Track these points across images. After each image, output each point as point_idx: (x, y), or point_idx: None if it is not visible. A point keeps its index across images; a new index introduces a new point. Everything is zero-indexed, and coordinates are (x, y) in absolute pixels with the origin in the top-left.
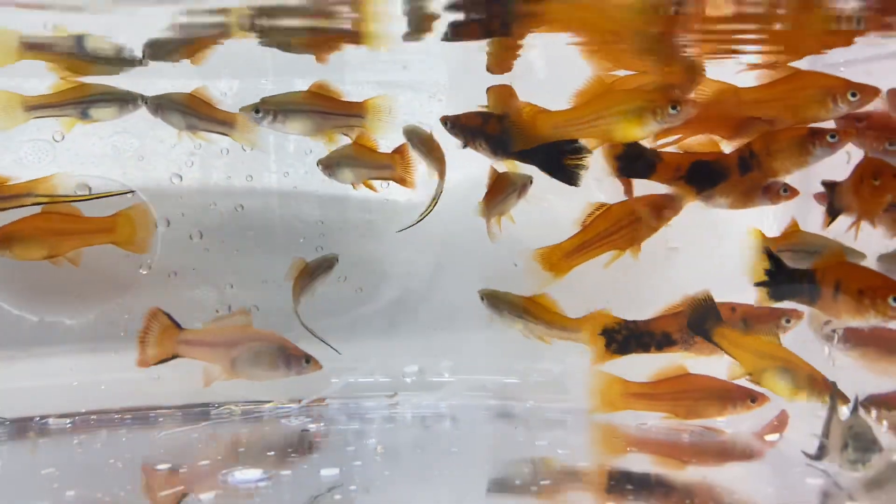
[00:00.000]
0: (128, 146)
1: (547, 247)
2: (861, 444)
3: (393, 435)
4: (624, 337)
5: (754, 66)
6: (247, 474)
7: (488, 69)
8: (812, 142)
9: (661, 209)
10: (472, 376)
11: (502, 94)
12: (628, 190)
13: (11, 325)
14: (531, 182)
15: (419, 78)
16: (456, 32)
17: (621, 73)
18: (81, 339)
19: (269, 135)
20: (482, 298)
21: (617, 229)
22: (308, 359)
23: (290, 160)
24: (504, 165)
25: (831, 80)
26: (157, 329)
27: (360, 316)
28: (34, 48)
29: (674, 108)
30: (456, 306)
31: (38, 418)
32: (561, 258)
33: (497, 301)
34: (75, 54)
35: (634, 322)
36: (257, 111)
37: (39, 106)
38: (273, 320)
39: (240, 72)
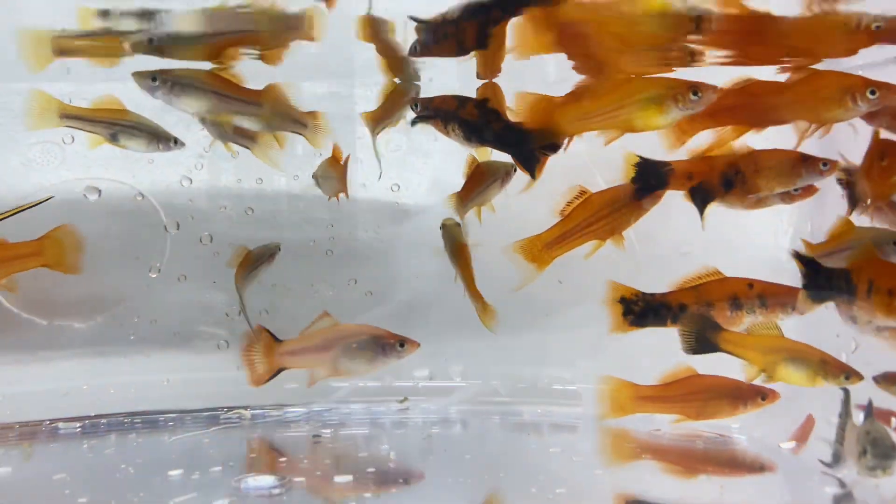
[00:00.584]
0: None
1: (527, 238)
2: (880, 449)
3: (403, 440)
4: (641, 309)
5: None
6: (260, 481)
7: (478, 74)
8: (802, 167)
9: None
10: (483, 381)
11: (487, 93)
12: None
13: (21, 328)
14: (514, 171)
15: (430, 82)
16: (425, 49)
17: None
18: (90, 342)
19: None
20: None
21: (597, 219)
22: (402, 342)
23: (298, 163)
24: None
25: (849, 78)
26: (260, 347)
27: (369, 319)
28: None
29: (695, 93)
30: (466, 310)
31: (47, 422)
32: (542, 249)
33: (449, 236)
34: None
35: (652, 294)
36: (154, 79)
37: (74, 116)
38: (281, 324)
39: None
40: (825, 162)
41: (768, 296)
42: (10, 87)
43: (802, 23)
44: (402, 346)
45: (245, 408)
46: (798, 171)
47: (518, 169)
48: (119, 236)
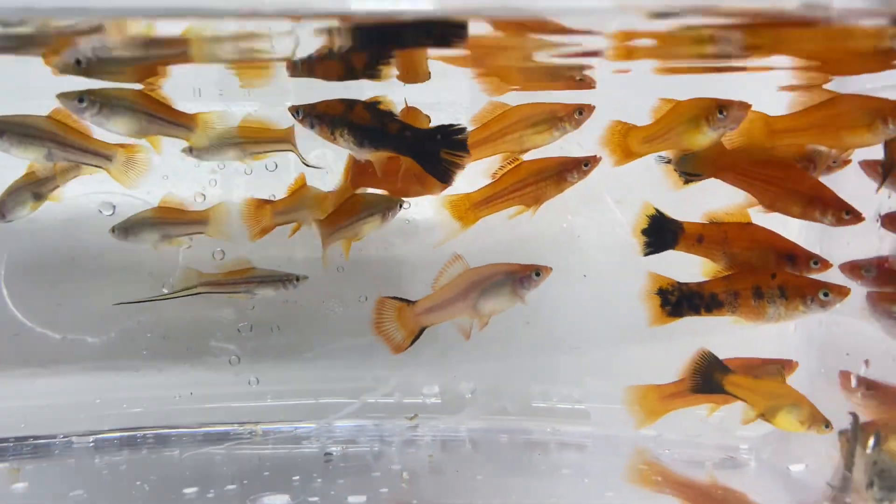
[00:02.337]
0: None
1: (457, 195)
2: (887, 482)
3: (414, 459)
4: (677, 298)
5: (791, 87)
6: (274, 500)
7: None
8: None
9: (569, 171)
10: (492, 399)
11: (417, 117)
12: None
13: (35, 342)
14: (400, 207)
15: (441, 97)
16: (309, 69)
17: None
18: (103, 357)
19: (289, 154)
20: None
21: (524, 186)
22: (538, 271)
23: (309, 180)
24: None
25: (876, 101)
26: (391, 315)
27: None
28: None
29: (721, 112)
30: (476, 329)
31: (61, 436)
32: (469, 208)
33: None
34: None
35: (686, 284)
36: (81, 100)
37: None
38: (293, 339)
39: (259, 93)
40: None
41: (789, 287)
42: (27, 104)
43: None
44: (538, 274)
45: (256, 423)
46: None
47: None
48: (132, 252)
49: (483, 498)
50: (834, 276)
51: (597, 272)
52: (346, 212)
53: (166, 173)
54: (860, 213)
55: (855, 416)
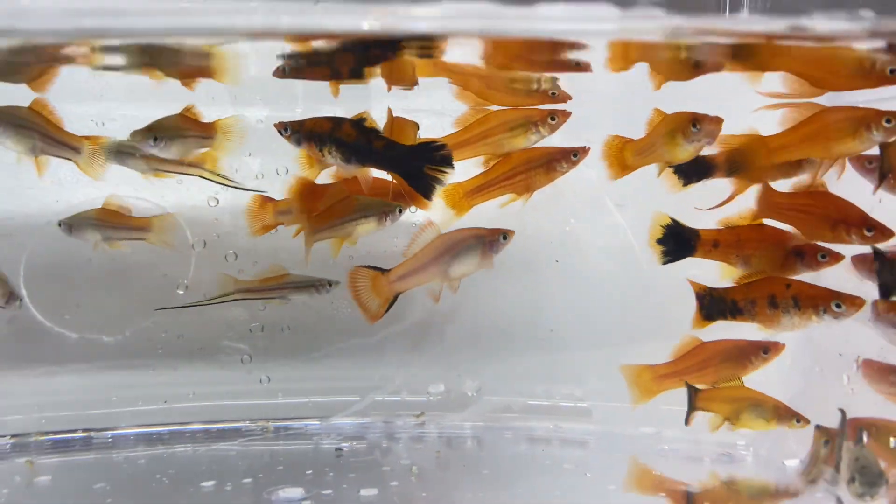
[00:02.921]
0: None
1: (450, 184)
2: (867, 477)
3: (421, 454)
4: (709, 303)
5: (776, 106)
6: (290, 493)
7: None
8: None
9: (558, 161)
10: (496, 397)
11: (401, 128)
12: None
13: (52, 341)
14: (400, 212)
15: (444, 104)
16: (297, 71)
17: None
18: (120, 356)
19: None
20: None
21: (514, 175)
22: (505, 234)
23: None
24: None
25: (861, 110)
26: (366, 284)
27: (387, 336)
28: None
29: (694, 126)
30: (480, 328)
31: (80, 431)
32: (462, 196)
33: None
34: None
35: (715, 289)
36: None
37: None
38: (303, 339)
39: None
40: (823, 254)
41: (802, 297)
42: None
43: (817, 53)
44: (504, 237)
45: (268, 420)
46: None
47: (405, 207)
48: (147, 253)
49: (491, 490)
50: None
51: (598, 273)
52: (338, 212)
53: (181, 178)
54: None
55: (843, 413)
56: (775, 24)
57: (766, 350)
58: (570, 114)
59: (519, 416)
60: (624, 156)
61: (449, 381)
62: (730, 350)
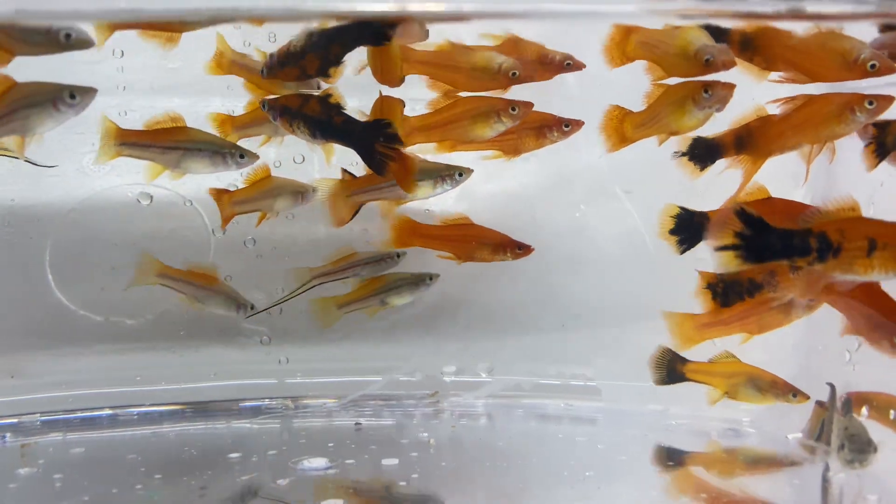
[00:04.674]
0: None
1: None
2: (856, 445)
3: (437, 429)
4: (722, 289)
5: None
6: (315, 462)
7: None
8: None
9: (549, 128)
10: (507, 377)
11: (384, 105)
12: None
13: (78, 324)
14: (313, 192)
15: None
16: (271, 73)
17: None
18: (143, 338)
19: (315, 147)
20: None
21: (504, 134)
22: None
23: (335, 172)
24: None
25: (845, 95)
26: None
27: (400, 319)
28: None
29: (706, 91)
30: (492, 310)
31: (108, 408)
32: (449, 148)
33: None
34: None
35: (726, 274)
36: None
37: (132, 144)
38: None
39: None
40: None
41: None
42: None
43: (804, 43)
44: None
45: (288, 398)
46: None
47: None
48: (169, 239)
49: (508, 461)
50: None
51: (607, 257)
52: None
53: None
54: None
55: (832, 386)
56: (781, 5)
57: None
58: (532, 104)
59: (530, 394)
60: (624, 127)
61: (462, 361)
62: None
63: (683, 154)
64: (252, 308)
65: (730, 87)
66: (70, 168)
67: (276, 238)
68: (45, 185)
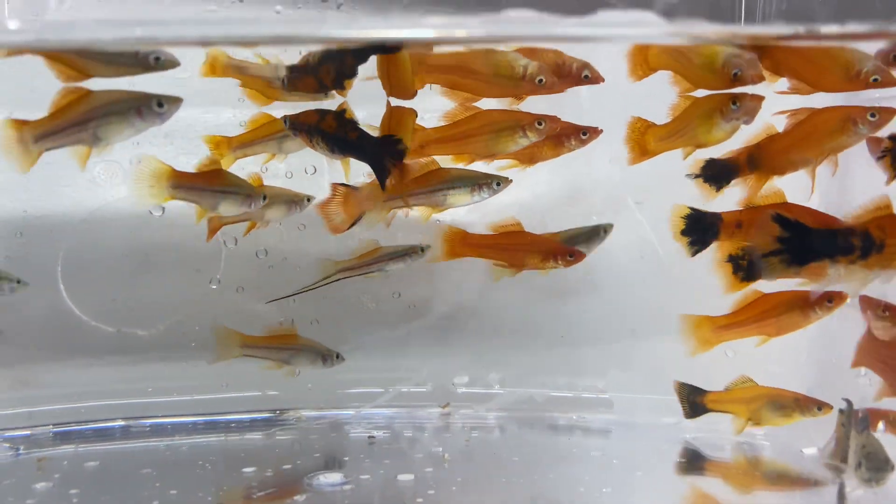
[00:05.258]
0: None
1: None
2: (873, 463)
3: (450, 443)
4: (748, 262)
5: (794, 112)
6: (330, 478)
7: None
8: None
9: (567, 137)
10: (519, 389)
11: (400, 117)
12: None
13: (90, 335)
14: (308, 201)
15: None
16: (293, 85)
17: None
18: (155, 349)
19: (324, 157)
20: None
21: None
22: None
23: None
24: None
25: (847, 108)
26: (338, 199)
27: (412, 330)
28: None
29: (734, 104)
30: (503, 322)
31: (120, 419)
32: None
33: None
34: None
35: (753, 247)
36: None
37: (184, 186)
38: (332, 332)
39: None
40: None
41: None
42: None
43: (809, 52)
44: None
45: (299, 410)
46: None
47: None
48: (181, 250)
49: (524, 476)
50: None
51: (619, 268)
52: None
53: None
54: None
55: (849, 402)
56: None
57: (830, 299)
58: (558, 119)
59: (542, 406)
60: (646, 140)
61: (473, 372)
62: (792, 301)
63: (697, 176)
64: (337, 357)
65: (759, 98)
66: (81, 179)
67: (287, 249)
68: (57, 196)
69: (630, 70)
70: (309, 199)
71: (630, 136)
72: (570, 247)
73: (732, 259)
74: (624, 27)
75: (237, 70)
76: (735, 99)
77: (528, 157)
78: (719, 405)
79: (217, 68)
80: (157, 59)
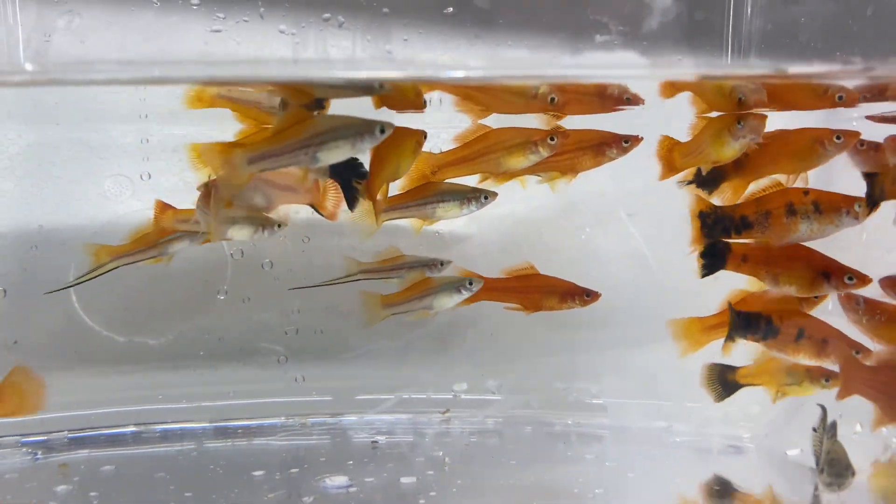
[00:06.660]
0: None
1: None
2: (835, 469)
3: (450, 447)
4: (713, 220)
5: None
6: (336, 481)
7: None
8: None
9: (608, 146)
10: (516, 395)
11: (401, 136)
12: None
13: (101, 344)
14: (278, 227)
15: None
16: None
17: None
18: (164, 358)
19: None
20: None
21: (561, 153)
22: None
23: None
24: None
25: (815, 131)
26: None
27: (413, 339)
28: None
29: (739, 123)
30: (501, 331)
31: (132, 426)
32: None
33: None
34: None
35: (721, 207)
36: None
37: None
38: (335, 341)
39: None
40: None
41: (822, 202)
42: (85, 125)
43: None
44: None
45: (304, 416)
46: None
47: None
48: (190, 261)
49: (522, 478)
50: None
51: (612, 278)
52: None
53: None
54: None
55: (823, 408)
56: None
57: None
58: (568, 133)
59: (538, 412)
60: (672, 156)
61: (472, 379)
62: (776, 301)
63: (690, 182)
64: (442, 264)
65: (761, 118)
66: (94, 194)
67: (291, 260)
68: (70, 210)
69: (661, 90)
70: (279, 226)
71: (659, 153)
72: (585, 287)
73: (702, 215)
74: (609, 68)
75: (227, 99)
76: (740, 118)
77: (570, 168)
78: (750, 378)
79: (204, 99)
80: (382, 85)
